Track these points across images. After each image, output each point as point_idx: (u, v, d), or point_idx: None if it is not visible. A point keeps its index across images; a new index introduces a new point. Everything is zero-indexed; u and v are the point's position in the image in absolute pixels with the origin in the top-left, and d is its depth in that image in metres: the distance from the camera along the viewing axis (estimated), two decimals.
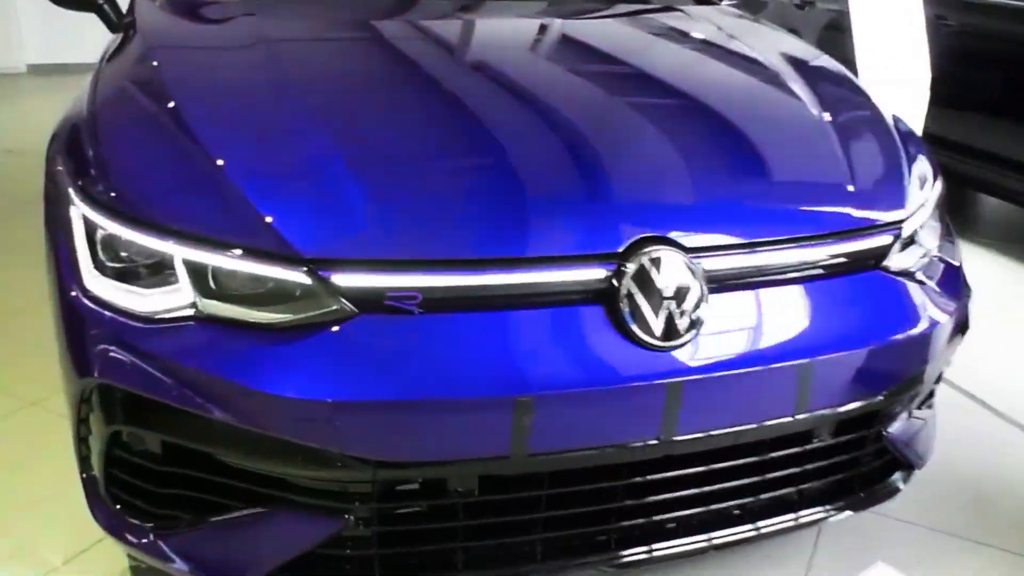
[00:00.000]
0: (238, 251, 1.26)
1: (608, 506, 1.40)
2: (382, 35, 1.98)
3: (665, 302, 1.28)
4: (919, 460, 1.69)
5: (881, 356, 1.45)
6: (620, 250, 1.30)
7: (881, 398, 1.50)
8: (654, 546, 1.45)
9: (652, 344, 1.27)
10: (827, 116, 1.68)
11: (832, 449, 1.55)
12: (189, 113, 1.45)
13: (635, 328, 1.27)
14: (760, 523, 1.52)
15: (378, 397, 1.19)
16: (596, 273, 1.29)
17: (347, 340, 1.21)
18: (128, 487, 1.39)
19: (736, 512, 1.51)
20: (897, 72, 2.62)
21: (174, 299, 1.28)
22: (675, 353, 1.29)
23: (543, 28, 2.06)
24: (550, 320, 1.27)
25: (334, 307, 1.22)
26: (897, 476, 1.67)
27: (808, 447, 1.51)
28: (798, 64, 1.94)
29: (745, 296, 1.37)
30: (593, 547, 1.42)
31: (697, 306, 1.29)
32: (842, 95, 1.86)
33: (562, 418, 1.26)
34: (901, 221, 1.53)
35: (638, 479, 1.38)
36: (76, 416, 1.39)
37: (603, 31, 2.13)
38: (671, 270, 1.29)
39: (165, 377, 1.25)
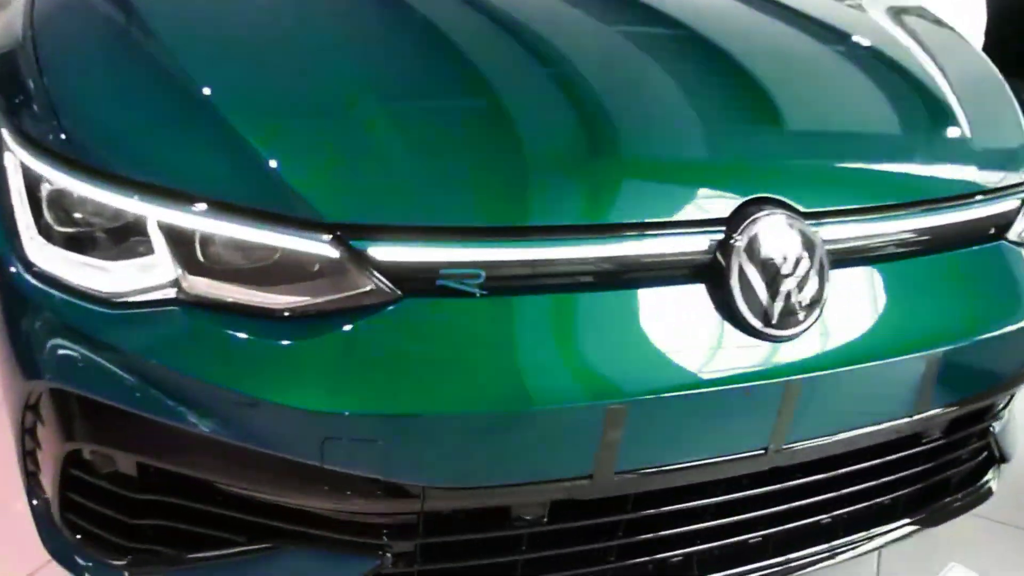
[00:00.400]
0: (235, 211, 0.95)
1: (691, 527, 1.15)
2: None
3: (782, 280, 1.01)
4: (1010, 453, 1.48)
5: (1008, 342, 1.21)
6: (727, 216, 1.02)
7: (999, 391, 1.28)
8: (738, 569, 1.20)
9: (768, 333, 1.01)
10: (939, 67, 1.41)
11: (938, 450, 1.32)
12: (164, 30, 1.11)
13: (747, 313, 1.00)
14: (855, 536, 1.28)
15: (431, 410, 0.90)
16: (697, 244, 1.01)
17: (388, 332, 0.92)
18: (90, 514, 1.09)
19: (827, 524, 1.28)
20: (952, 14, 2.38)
21: (149, 276, 0.97)
22: (793, 343, 1.03)
23: None
24: (643, 304, 0.99)
25: (369, 288, 0.92)
26: (989, 476, 1.45)
27: (915, 450, 1.28)
28: (900, 14, 1.67)
29: (867, 272, 1.11)
30: (670, 573, 1.17)
31: (818, 284, 1.03)
32: (950, 47, 1.60)
33: (658, 429, 1.00)
34: None
35: (732, 495, 1.13)
36: (20, 426, 1.07)
37: None
38: (788, 240, 1.02)
39: (139, 379, 0.94)
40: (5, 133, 1.08)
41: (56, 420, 1.01)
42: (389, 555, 1.01)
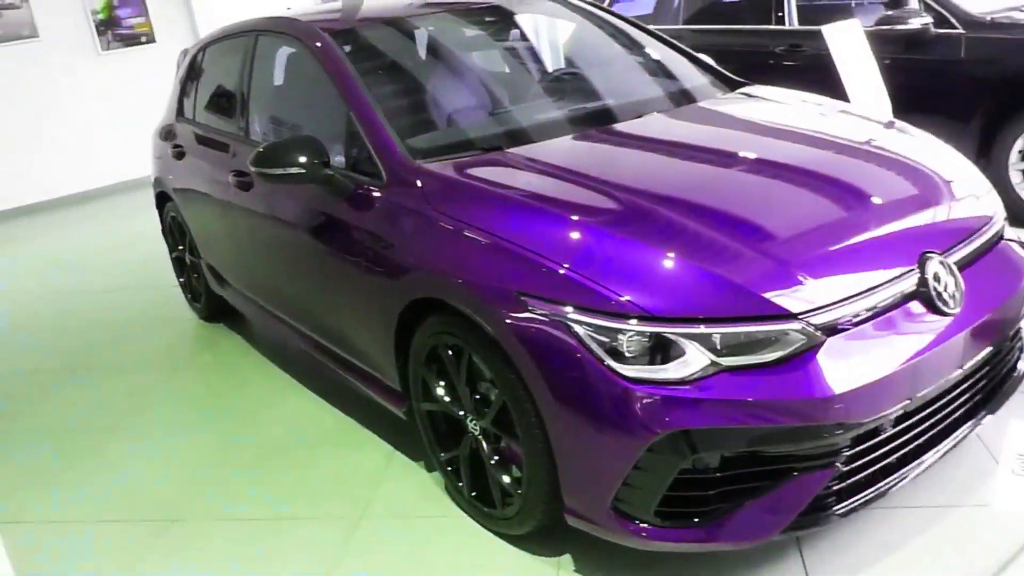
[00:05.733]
0: (733, 320, 1.98)
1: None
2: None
3: (947, 288, 2.18)
4: None
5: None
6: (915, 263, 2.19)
7: None
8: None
9: (953, 312, 2.17)
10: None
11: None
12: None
13: (942, 305, 2.16)
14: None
15: (865, 381, 1.97)
16: (911, 280, 2.17)
17: (831, 354, 1.99)
18: (669, 503, 2.04)
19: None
20: None
21: (694, 364, 1.96)
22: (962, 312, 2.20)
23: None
24: (907, 312, 2.13)
25: (803, 340, 1.98)
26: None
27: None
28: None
29: (972, 268, 2.31)
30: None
31: (958, 282, 2.21)
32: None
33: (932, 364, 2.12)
34: None
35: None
36: (631, 463, 2.01)
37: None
38: (943, 268, 2.20)
39: (728, 410, 1.94)
40: (574, 315, 2.03)
41: (673, 448, 1.97)
42: (839, 465, 2.04)
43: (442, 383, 2.58)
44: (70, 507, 3.06)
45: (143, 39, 9.07)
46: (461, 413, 2.53)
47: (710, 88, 3.39)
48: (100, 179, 8.86)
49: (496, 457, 2.46)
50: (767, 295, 2.00)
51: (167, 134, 4.55)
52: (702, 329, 1.97)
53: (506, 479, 2.43)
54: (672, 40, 3.74)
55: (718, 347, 1.97)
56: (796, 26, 5.53)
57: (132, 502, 3.03)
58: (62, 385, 4.18)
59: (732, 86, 3.44)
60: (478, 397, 2.46)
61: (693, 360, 1.97)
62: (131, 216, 7.68)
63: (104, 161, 8.83)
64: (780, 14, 5.65)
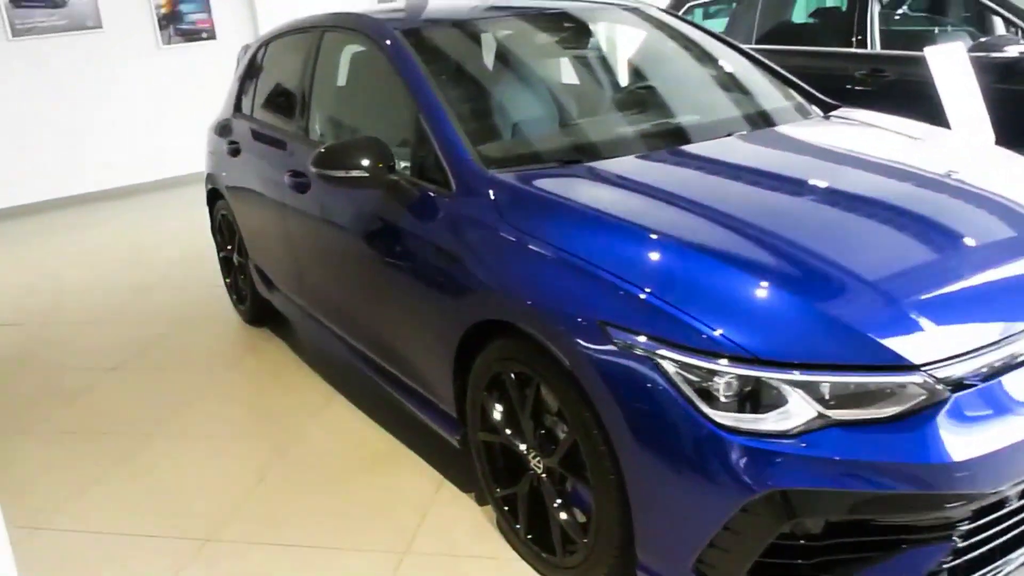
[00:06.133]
0: (846, 368, 1.74)
1: None
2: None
3: None
4: None
5: None
6: None
7: None
8: None
9: None
10: None
11: None
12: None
13: None
14: None
15: (996, 447, 1.72)
16: None
17: (959, 413, 1.74)
18: (759, 569, 1.80)
19: None
20: None
21: (797, 416, 1.73)
22: None
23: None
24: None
25: (923, 395, 1.73)
26: None
27: None
28: None
29: None
30: None
31: None
32: None
33: None
34: None
35: None
36: (721, 523, 1.78)
37: None
38: None
39: (833, 470, 1.70)
40: (662, 350, 1.81)
41: (771, 509, 1.73)
42: (958, 541, 1.79)
43: (502, 411, 2.38)
44: (100, 516, 2.91)
45: (204, 35, 9.04)
46: (523, 448, 2.32)
47: (800, 111, 3.16)
48: (154, 173, 8.81)
49: (560, 499, 2.24)
50: (885, 341, 1.76)
51: (223, 130, 4.43)
52: (809, 377, 1.74)
53: (570, 523, 2.21)
54: (762, 58, 3.51)
55: (826, 397, 1.74)
56: (879, 50, 5.26)
57: (166, 516, 2.86)
58: (101, 383, 4.05)
59: (827, 109, 3.20)
60: (543, 432, 2.24)
61: (797, 411, 1.74)
62: (182, 212, 7.61)
63: (159, 155, 8.79)
64: (860, 37, 5.38)
